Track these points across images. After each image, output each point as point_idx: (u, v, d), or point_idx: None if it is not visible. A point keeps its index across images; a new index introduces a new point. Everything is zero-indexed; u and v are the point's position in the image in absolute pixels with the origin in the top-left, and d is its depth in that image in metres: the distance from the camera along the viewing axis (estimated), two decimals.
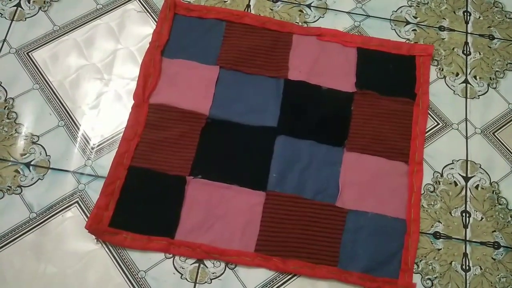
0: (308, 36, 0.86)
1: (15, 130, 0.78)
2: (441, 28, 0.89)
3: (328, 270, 0.71)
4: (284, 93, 0.81)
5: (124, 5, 0.88)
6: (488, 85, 0.85)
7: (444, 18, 0.90)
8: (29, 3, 0.87)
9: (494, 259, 0.73)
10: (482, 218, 0.76)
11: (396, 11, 0.90)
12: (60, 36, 0.84)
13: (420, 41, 0.87)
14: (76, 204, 0.73)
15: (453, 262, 0.73)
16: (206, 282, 0.70)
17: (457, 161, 0.79)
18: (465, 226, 0.75)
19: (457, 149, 0.80)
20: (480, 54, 0.87)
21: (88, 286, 0.69)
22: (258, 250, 0.71)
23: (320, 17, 0.89)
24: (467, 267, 0.73)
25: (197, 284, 0.70)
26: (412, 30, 0.88)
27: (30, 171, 0.75)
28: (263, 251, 0.71)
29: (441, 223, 0.75)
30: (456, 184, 0.78)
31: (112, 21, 0.86)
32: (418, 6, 0.91)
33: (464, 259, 0.73)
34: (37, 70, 0.82)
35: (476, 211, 0.76)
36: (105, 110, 0.80)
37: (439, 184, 0.78)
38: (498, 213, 0.76)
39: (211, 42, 0.84)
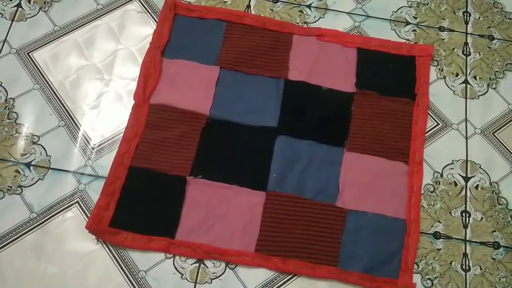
0: (308, 36, 0.86)
1: (16, 130, 0.78)
2: (441, 29, 0.89)
3: (328, 270, 0.71)
4: (284, 93, 0.81)
5: (124, 5, 0.88)
6: (488, 85, 0.85)
7: (444, 19, 0.90)
8: (29, 3, 0.87)
9: (494, 259, 0.73)
10: (482, 218, 0.76)
11: (396, 12, 0.90)
12: (60, 36, 0.85)
13: (420, 42, 0.88)
14: (77, 204, 0.73)
15: (453, 262, 0.73)
16: (206, 282, 0.70)
17: (457, 161, 0.79)
18: (465, 226, 0.75)
19: (457, 149, 0.80)
20: (480, 54, 0.87)
21: (88, 286, 0.69)
22: (258, 250, 0.72)
23: (320, 17, 0.89)
24: (467, 267, 0.73)
25: (197, 284, 0.70)
26: (412, 31, 0.89)
27: (30, 171, 0.75)
28: (263, 251, 0.71)
29: (441, 223, 0.75)
30: (456, 184, 0.78)
31: (112, 22, 0.86)
32: (418, 7, 0.91)
33: (464, 259, 0.73)
34: (37, 70, 0.82)
35: (476, 211, 0.76)
36: (106, 110, 0.80)
37: (439, 184, 0.78)
38: (498, 213, 0.76)
39: (211, 42, 0.84)
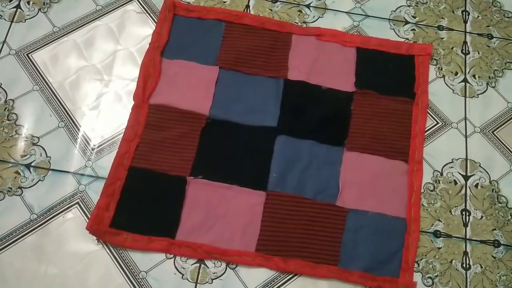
0: (307, 36, 0.86)
1: (15, 131, 0.78)
2: (440, 28, 0.89)
3: (328, 269, 0.71)
4: (284, 93, 0.81)
5: (123, 6, 0.88)
6: (487, 84, 0.85)
7: (443, 18, 0.90)
8: (28, 4, 0.87)
9: (494, 257, 0.73)
10: (482, 217, 0.76)
11: (395, 11, 0.90)
12: (60, 37, 0.85)
13: (419, 41, 0.88)
14: (77, 205, 0.73)
15: (453, 261, 0.73)
16: (207, 282, 0.70)
17: (457, 160, 0.79)
18: (465, 225, 0.75)
19: (456, 148, 0.80)
20: (479, 53, 0.87)
21: (89, 287, 0.69)
22: (259, 250, 0.72)
23: (319, 17, 0.89)
24: (468, 266, 0.73)
25: (198, 284, 0.70)
26: (411, 30, 0.89)
27: (30, 172, 0.75)
28: (264, 250, 0.71)
29: (441, 221, 0.75)
30: (456, 183, 0.78)
31: (111, 22, 0.86)
32: (417, 6, 0.91)
33: (464, 258, 0.73)
34: (37, 72, 0.82)
35: (476, 210, 0.76)
36: (105, 111, 0.80)
37: (439, 183, 0.78)
38: (498, 212, 0.76)
39: (210, 42, 0.84)
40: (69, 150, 0.77)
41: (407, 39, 0.88)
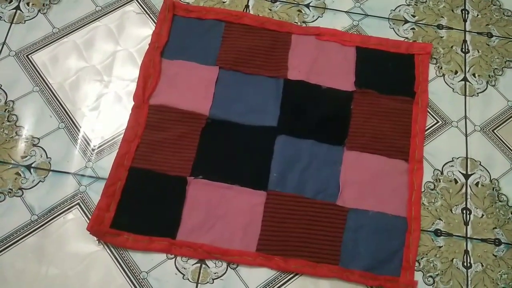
0: (307, 35, 0.86)
1: (16, 132, 0.78)
2: (440, 27, 0.89)
3: (329, 268, 0.71)
4: (283, 92, 0.81)
5: (123, 6, 0.88)
6: (487, 82, 0.85)
7: (442, 17, 0.90)
8: (28, 5, 0.87)
9: (495, 256, 0.73)
10: (482, 215, 0.76)
11: (394, 10, 0.90)
12: (59, 38, 0.85)
13: (419, 40, 0.88)
14: (77, 206, 0.73)
15: (454, 259, 0.73)
16: (208, 282, 0.70)
17: (457, 158, 0.79)
18: (466, 223, 0.75)
19: (457, 147, 0.80)
20: (478, 52, 0.87)
21: (90, 287, 0.69)
22: (259, 249, 0.72)
23: (318, 16, 0.89)
24: (468, 264, 0.73)
25: (199, 284, 0.70)
26: (410, 29, 0.89)
27: (31, 173, 0.75)
28: (265, 250, 0.71)
29: (441, 220, 0.75)
30: (456, 182, 0.78)
31: (111, 23, 0.86)
32: (416, 5, 0.91)
33: (465, 256, 0.73)
34: (37, 73, 0.82)
35: (477, 208, 0.76)
36: (105, 112, 0.80)
37: (440, 181, 0.78)
38: (498, 210, 0.76)
39: (210, 42, 0.84)
40: (70, 151, 0.77)
41: (406, 38, 0.88)
